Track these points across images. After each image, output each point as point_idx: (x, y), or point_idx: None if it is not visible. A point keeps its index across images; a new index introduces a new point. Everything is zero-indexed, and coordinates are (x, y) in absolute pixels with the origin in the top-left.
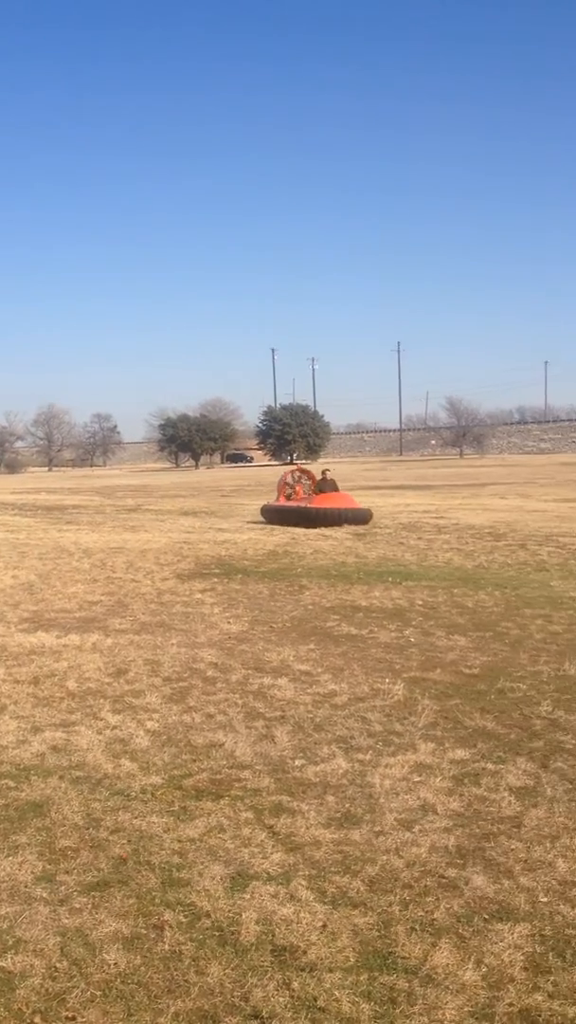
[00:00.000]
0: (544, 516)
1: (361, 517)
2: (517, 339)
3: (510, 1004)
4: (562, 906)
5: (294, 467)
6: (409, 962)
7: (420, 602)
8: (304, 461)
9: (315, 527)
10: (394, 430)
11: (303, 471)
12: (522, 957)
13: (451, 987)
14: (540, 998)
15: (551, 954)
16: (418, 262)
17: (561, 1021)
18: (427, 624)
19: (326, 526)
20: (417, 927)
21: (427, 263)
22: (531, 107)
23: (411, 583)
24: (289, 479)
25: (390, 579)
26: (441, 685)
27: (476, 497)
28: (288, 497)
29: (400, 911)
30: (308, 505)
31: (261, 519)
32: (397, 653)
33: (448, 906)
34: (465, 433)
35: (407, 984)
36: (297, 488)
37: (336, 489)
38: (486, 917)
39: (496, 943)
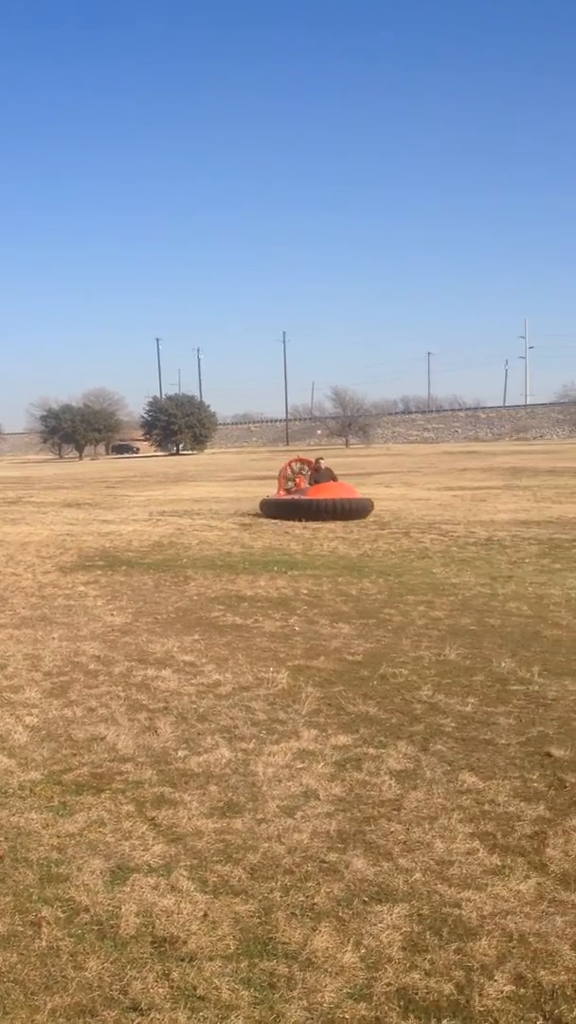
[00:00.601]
0: (427, 504)
1: (362, 508)
2: (401, 330)
3: (388, 984)
4: (439, 885)
5: (295, 457)
6: (289, 947)
7: (305, 591)
8: (191, 452)
9: (312, 520)
10: (281, 420)
11: (304, 461)
12: (400, 937)
13: (330, 970)
14: (417, 976)
15: (428, 933)
16: (303, 252)
17: (436, 998)
18: (312, 612)
19: (323, 519)
20: (297, 912)
21: (312, 253)
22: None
23: (296, 572)
24: (289, 471)
25: (275, 568)
26: (325, 672)
27: (361, 486)
28: (288, 491)
29: (281, 897)
30: (303, 497)
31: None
32: (282, 642)
33: (328, 890)
34: (351, 423)
35: (287, 969)
36: (298, 480)
37: (333, 478)
38: (365, 899)
39: (375, 924)
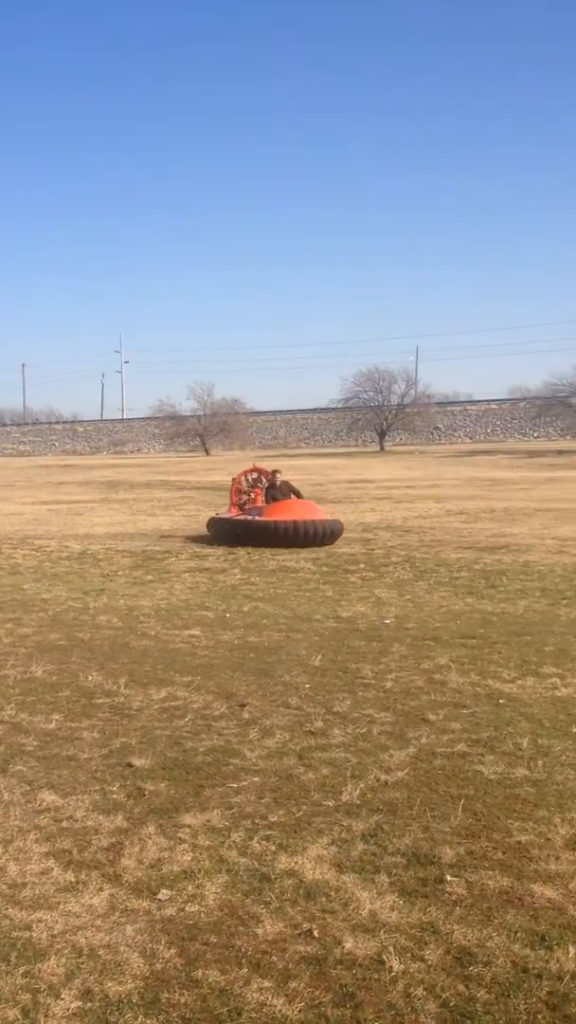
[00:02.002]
0: (21, 519)
1: (332, 532)
2: None
3: None
4: (10, 909)
5: (250, 466)
6: None
7: None
8: None
9: (267, 547)
10: None
11: (260, 471)
12: None
13: None
14: None
15: None
16: None
17: None
18: None
19: (283, 546)
20: None
21: None
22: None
23: None
24: (243, 483)
25: None
26: None
27: None
28: (242, 507)
29: None
30: (257, 518)
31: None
32: None
33: None
34: None
35: None
36: (255, 494)
37: (296, 494)
38: None
39: None
